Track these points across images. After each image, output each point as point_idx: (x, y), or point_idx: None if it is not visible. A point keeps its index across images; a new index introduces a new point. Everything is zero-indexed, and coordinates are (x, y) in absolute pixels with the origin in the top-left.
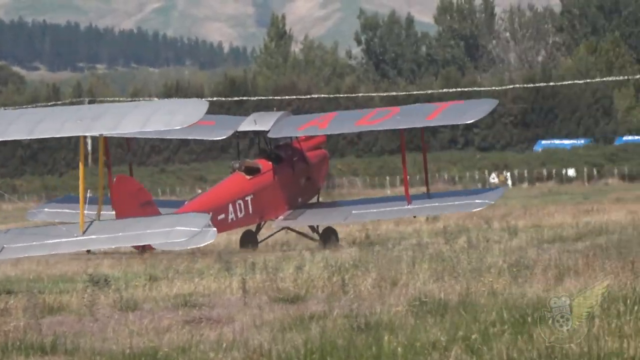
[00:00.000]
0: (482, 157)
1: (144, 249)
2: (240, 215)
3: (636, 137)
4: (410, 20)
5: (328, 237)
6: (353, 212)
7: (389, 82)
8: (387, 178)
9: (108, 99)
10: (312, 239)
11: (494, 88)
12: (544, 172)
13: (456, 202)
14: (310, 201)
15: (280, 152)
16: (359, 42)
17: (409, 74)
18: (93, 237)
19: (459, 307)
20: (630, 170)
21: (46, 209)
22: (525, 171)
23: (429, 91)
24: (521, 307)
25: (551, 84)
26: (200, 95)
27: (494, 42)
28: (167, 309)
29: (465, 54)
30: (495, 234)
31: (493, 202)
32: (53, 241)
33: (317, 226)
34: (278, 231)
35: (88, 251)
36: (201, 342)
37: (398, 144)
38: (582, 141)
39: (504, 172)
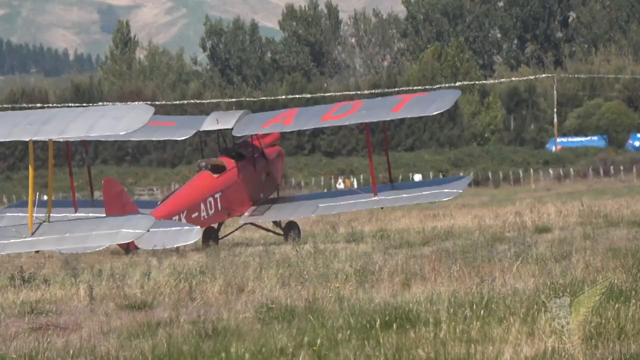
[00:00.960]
0: (328, 163)
1: (128, 248)
2: (210, 212)
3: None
4: (254, 26)
5: (291, 231)
6: (320, 205)
7: (234, 88)
8: None
9: None
10: (276, 233)
11: (340, 93)
12: None
13: (424, 192)
14: (271, 196)
15: (241, 150)
16: (204, 48)
17: (254, 79)
18: (41, 238)
19: (306, 312)
20: (475, 175)
21: (8, 214)
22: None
23: (275, 97)
24: (368, 313)
25: (396, 89)
26: (45, 101)
27: (340, 48)
28: (14, 316)
29: (310, 60)
30: (341, 239)
31: (462, 191)
32: (3, 242)
33: (280, 221)
34: (240, 227)
35: (37, 252)
36: (48, 350)
37: None
38: (596, 138)
39: (351, 178)
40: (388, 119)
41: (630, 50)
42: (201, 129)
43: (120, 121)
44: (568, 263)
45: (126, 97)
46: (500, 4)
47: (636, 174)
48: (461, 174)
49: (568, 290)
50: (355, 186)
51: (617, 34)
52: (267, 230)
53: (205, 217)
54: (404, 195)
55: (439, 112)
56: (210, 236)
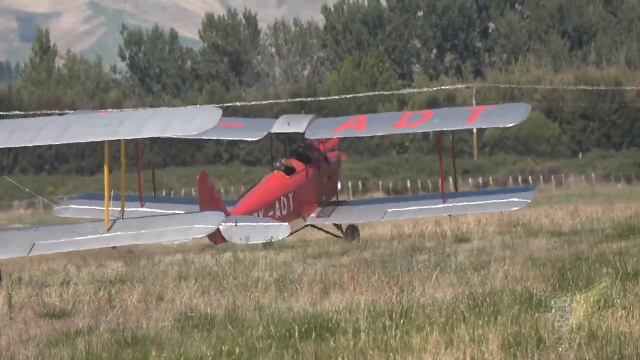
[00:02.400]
0: (248, 171)
1: (216, 242)
2: (284, 212)
3: None
4: (174, 35)
5: (352, 234)
6: (388, 210)
7: (154, 97)
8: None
9: None
10: (336, 236)
11: (259, 102)
12: None
13: (494, 201)
14: (331, 199)
15: (308, 153)
16: (123, 57)
17: (174, 88)
18: (118, 234)
19: (226, 321)
20: (394, 185)
21: (72, 206)
22: None
23: (194, 105)
24: (287, 322)
25: (317, 98)
26: None
27: (259, 58)
28: None
29: (230, 69)
30: (261, 248)
31: (530, 201)
32: (81, 238)
33: (341, 224)
34: (305, 227)
35: (113, 247)
36: None
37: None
38: None
39: None
40: (463, 128)
41: (549, 60)
42: (272, 131)
43: (193, 122)
44: (487, 272)
45: (45, 105)
46: (420, 13)
47: (555, 183)
48: (380, 183)
49: (487, 299)
50: None
51: (536, 44)
52: (327, 232)
53: (279, 216)
54: (473, 202)
55: (515, 123)
56: None
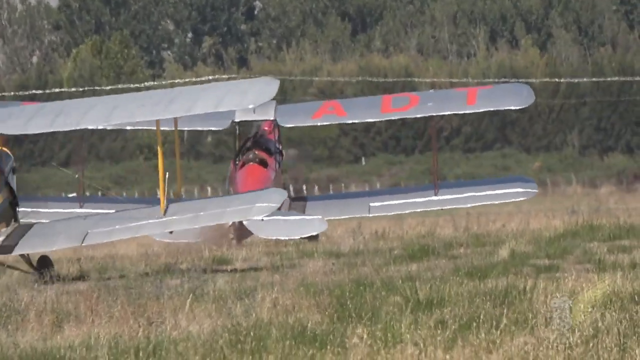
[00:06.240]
0: None
1: (240, 239)
2: None
3: None
4: None
5: (313, 236)
6: (372, 204)
7: None
8: None
9: None
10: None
11: None
12: None
13: (496, 192)
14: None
15: (267, 144)
16: None
17: None
18: (175, 217)
19: None
20: (141, 195)
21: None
22: None
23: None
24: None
25: (48, 91)
26: None
27: None
28: None
29: None
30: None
31: (537, 191)
32: (136, 224)
33: None
34: None
35: (171, 232)
36: None
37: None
38: None
39: None
40: (464, 112)
41: (328, 47)
42: (236, 120)
43: (247, 95)
44: (252, 301)
45: None
46: None
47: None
48: (124, 194)
49: (252, 333)
50: None
51: (311, 28)
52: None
53: None
54: (471, 194)
55: (523, 106)
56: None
